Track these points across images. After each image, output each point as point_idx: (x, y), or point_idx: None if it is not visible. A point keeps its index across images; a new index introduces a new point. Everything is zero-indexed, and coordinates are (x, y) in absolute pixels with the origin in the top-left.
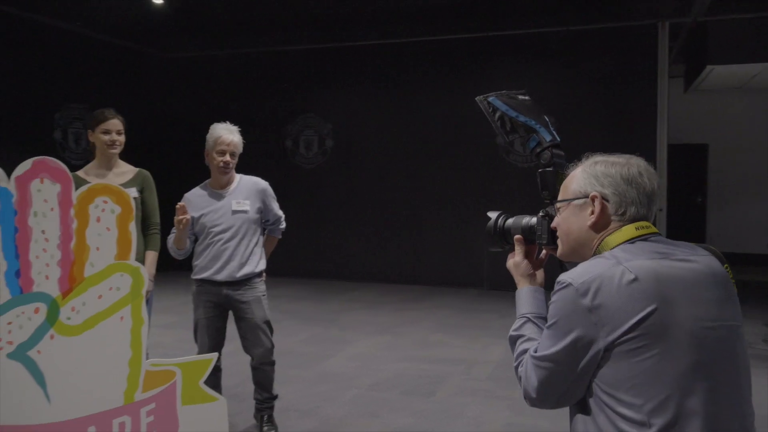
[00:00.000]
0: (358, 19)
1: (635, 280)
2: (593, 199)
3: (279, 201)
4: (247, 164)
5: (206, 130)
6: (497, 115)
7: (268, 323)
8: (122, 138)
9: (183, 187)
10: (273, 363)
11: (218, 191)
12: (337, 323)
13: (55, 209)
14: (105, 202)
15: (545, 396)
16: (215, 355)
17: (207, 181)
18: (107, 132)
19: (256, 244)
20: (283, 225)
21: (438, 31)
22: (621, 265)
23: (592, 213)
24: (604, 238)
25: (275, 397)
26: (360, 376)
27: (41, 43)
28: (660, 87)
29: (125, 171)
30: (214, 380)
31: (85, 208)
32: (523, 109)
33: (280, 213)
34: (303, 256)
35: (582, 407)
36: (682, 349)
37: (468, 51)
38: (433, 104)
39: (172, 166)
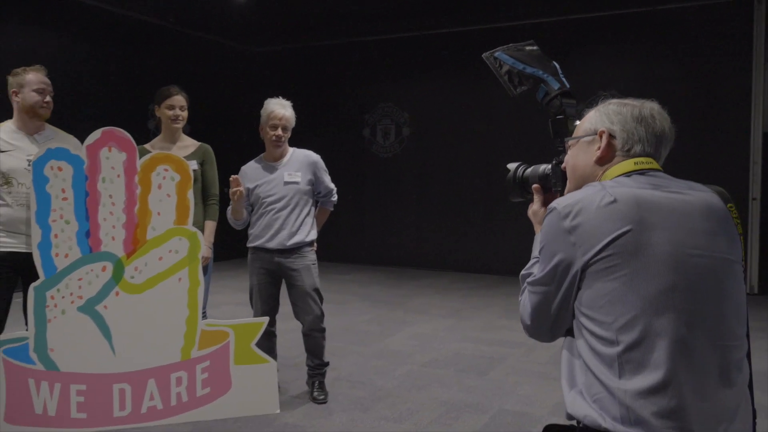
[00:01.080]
0: (435, 7)
1: (614, 201)
2: (601, 135)
3: (356, 189)
4: (326, 155)
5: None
6: (504, 69)
7: (317, 291)
8: (185, 113)
9: None
10: (323, 330)
11: (272, 164)
12: (404, 306)
13: (121, 176)
14: (166, 170)
15: (538, 322)
16: (266, 319)
17: (262, 154)
18: (171, 107)
19: (307, 214)
20: (335, 197)
21: (517, 16)
22: (605, 190)
23: (599, 149)
24: (605, 172)
25: (326, 365)
26: (416, 354)
27: (140, 39)
28: (755, 70)
29: (188, 145)
30: (269, 345)
31: (148, 175)
32: (530, 60)
33: (332, 186)
34: (377, 243)
35: (569, 343)
36: (655, 271)
37: (550, 36)
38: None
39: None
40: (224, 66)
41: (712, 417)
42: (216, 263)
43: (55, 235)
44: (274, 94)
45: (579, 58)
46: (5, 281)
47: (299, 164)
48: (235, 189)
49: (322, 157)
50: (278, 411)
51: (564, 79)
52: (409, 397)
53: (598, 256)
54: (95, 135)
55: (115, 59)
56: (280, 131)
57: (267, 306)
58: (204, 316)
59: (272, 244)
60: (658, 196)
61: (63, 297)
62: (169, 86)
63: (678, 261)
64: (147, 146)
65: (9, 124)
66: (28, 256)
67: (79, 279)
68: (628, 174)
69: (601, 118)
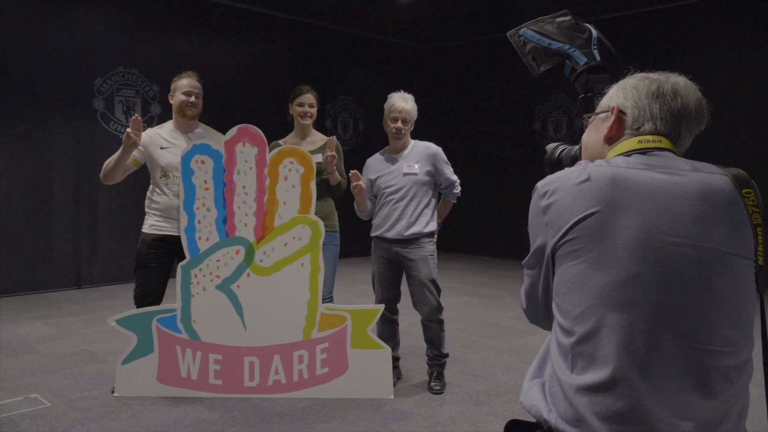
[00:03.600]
0: None
1: (587, 180)
2: (612, 111)
3: (527, 182)
4: (495, 147)
5: (462, 113)
6: (529, 47)
7: (433, 282)
8: (314, 110)
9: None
10: (440, 321)
11: (393, 155)
12: None
13: (253, 168)
14: (291, 162)
15: (529, 308)
16: (382, 306)
17: (387, 146)
18: (301, 105)
19: (426, 205)
20: (458, 190)
21: (648, 2)
22: (585, 168)
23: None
24: (610, 151)
25: (445, 356)
26: None
27: (315, 42)
28: None
29: (316, 140)
30: (390, 332)
31: (276, 167)
32: (557, 35)
33: (454, 178)
34: None
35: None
36: (618, 258)
37: (683, 21)
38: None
39: (448, 144)
40: (396, 64)
41: (677, 428)
42: (348, 255)
43: (199, 221)
44: (443, 90)
45: (715, 41)
46: (163, 260)
47: (419, 156)
48: (355, 183)
49: (492, 151)
50: (392, 396)
51: (596, 52)
52: None
53: (564, 239)
54: (232, 131)
55: (294, 64)
56: (400, 123)
57: (387, 294)
58: (331, 300)
59: (391, 234)
60: (643, 176)
61: (204, 276)
62: (302, 85)
63: (648, 248)
64: (280, 141)
65: (169, 124)
66: (180, 239)
67: (217, 260)
68: (628, 153)
69: (617, 94)
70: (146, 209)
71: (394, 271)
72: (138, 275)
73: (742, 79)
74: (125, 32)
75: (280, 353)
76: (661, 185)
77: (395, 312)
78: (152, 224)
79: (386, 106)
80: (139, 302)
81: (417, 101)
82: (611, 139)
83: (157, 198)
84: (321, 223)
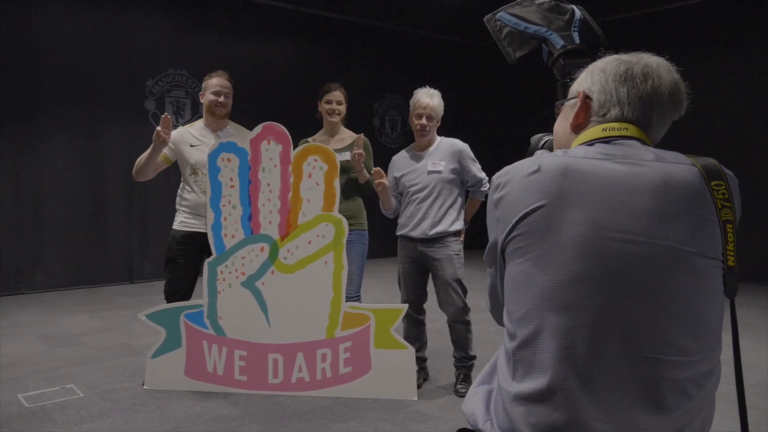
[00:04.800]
0: None
1: (536, 171)
2: (579, 97)
3: None
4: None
5: (508, 109)
6: (505, 32)
7: (459, 282)
8: (342, 108)
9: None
10: (467, 323)
11: (418, 153)
12: None
13: (278, 166)
14: (315, 160)
15: (493, 309)
16: (405, 306)
17: (412, 144)
18: (329, 102)
19: (452, 204)
20: (486, 187)
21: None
22: (537, 158)
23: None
24: (575, 140)
25: (472, 358)
26: None
27: (362, 40)
28: None
29: (345, 137)
30: (417, 333)
31: (300, 165)
32: (534, 18)
33: (481, 175)
34: None
35: None
36: (562, 256)
37: None
38: (724, 72)
39: (495, 142)
40: (442, 61)
41: None
42: (377, 254)
43: (224, 218)
44: (492, 86)
45: None
46: (191, 256)
47: (444, 153)
48: (378, 181)
49: (548, 146)
50: (415, 398)
51: (576, 34)
52: None
53: (511, 235)
54: (257, 129)
55: (342, 62)
56: (424, 120)
57: (413, 294)
58: (358, 299)
59: (416, 233)
60: (598, 166)
61: (230, 272)
62: (330, 82)
63: (595, 246)
64: (309, 139)
65: (200, 122)
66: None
67: (243, 257)
68: (591, 142)
69: (585, 78)
70: (177, 206)
71: (419, 270)
72: (168, 271)
73: (747, 80)
74: (176, 34)
75: (304, 351)
76: (617, 177)
77: (422, 312)
78: (182, 221)
79: (411, 102)
80: (169, 297)
81: (464, 98)
82: (578, 127)
83: (186, 195)
84: (345, 221)
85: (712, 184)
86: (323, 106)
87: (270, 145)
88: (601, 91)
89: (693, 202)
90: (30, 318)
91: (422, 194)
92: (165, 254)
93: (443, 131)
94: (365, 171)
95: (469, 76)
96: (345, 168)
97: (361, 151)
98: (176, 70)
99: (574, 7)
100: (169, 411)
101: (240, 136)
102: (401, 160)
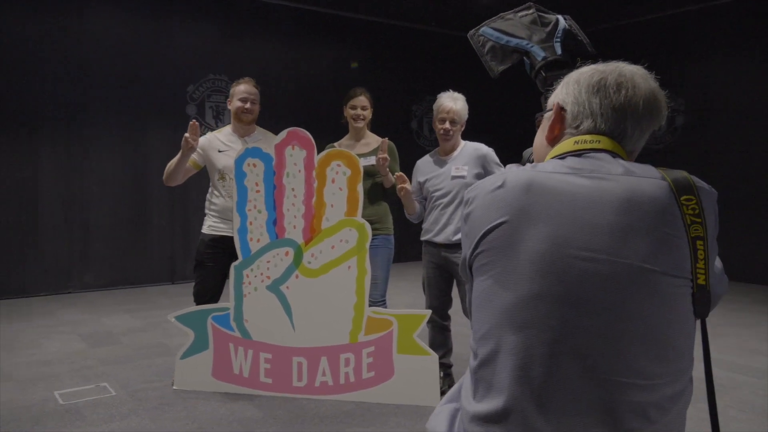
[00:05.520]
0: None
1: (500, 186)
2: (554, 109)
3: None
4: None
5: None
6: (488, 47)
7: None
8: (366, 113)
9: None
10: None
11: (442, 158)
12: None
13: (302, 171)
14: (339, 165)
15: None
16: (428, 312)
17: (437, 148)
18: (354, 107)
19: None
20: None
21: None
22: (505, 173)
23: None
24: (549, 153)
25: None
26: None
27: (400, 43)
28: None
29: (370, 142)
30: (442, 339)
31: (324, 170)
32: (517, 30)
33: None
34: None
35: None
36: (521, 274)
37: None
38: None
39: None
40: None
41: None
42: (403, 258)
43: (250, 223)
44: (532, 88)
45: None
46: (219, 259)
47: (467, 158)
48: (400, 186)
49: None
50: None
51: (558, 45)
52: None
53: (476, 251)
54: (282, 135)
55: (382, 65)
56: (447, 125)
57: (437, 300)
58: (383, 304)
59: (439, 239)
60: (563, 181)
61: (255, 276)
62: (355, 87)
63: (553, 263)
64: (335, 144)
65: (228, 128)
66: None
67: (268, 261)
68: (562, 156)
69: (560, 89)
70: (206, 210)
71: (443, 276)
72: (197, 274)
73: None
74: (216, 41)
75: (327, 355)
76: (581, 192)
77: (446, 318)
78: (210, 225)
79: (434, 106)
80: (198, 299)
81: (503, 100)
82: (554, 139)
83: (215, 200)
84: (368, 226)
85: (682, 198)
86: (348, 112)
87: (294, 150)
88: (574, 103)
89: (658, 218)
90: (74, 317)
91: (446, 199)
92: (194, 257)
93: (487, 133)
94: (390, 175)
95: (507, 77)
96: (370, 172)
97: (386, 155)
98: (216, 76)
99: (560, 17)
100: (195, 412)
101: (267, 141)
102: (425, 165)
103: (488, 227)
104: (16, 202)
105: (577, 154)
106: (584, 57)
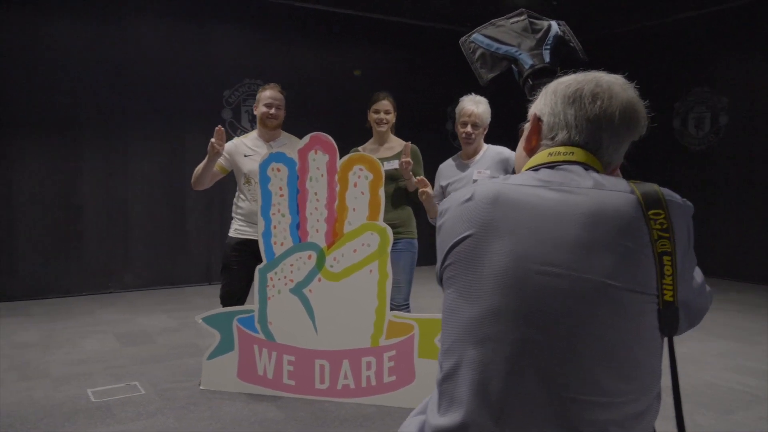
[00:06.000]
0: None
1: (469, 199)
2: (532, 119)
3: (662, 185)
4: (631, 147)
5: None
6: (478, 54)
7: None
8: (389, 117)
9: None
10: None
11: (465, 162)
12: None
13: (324, 175)
14: (361, 169)
15: None
16: None
17: (460, 152)
18: (377, 111)
19: None
20: None
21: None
22: (474, 186)
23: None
24: (525, 165)
25: None
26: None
27: (433, 45)
28: None
29: (394, 146)
30: None
31: (346, 174)
32: (507, 37)
33: None
34: None
35: None
36: (484, 288)
37: None
38: None
39: None
40: None
41: None
42: (428, 262)
43: (274, 226)
44: None
45: None
46: (245, 262)
47: (490, 161)
48: (422, 190)
49: (627, 151)
50: None
51: (547, 52)
52: None
53: (444, 264)
54: (305, 140)
55: (414, 68)
56: (469, 128)
57: None
58: (407, 308)
59: None
60: (530, 194)
61: (279, 279)
62: (378, 92)
63: (516, 278)
64: (359, 148)
65: (254, 133)
66: None
67: (291, 265)
68: (536, 167)
69: (539, 100)
70: (233, 214)
71: None
72: (223, 276)
73: None
74: (251, 45)
75: (349, 358)
76: (547, 205)
77: None
78: (236, 228)
79: (456, 109)
80: (225, 301)
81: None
82: (532, 150)
83: (241, 204)
84: (389, 230)
85: (650, 213)
86: (371, 116)
87: (317, 154)
88: (551, 114)
89: (623, 233)
90: (112, 316)
91: None
92: (221, 260)
93: (509, 138)
94: (413, 179)
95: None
96: (394, 176)
97: (409, 159)
98: (252, 80)
99: (553, 23)
100: (219, 412)
101: (292, 145)
102: (447, 169)
103: (455, 240)
104: (60, 205)
105: (551, 166)
106: (576, 64)
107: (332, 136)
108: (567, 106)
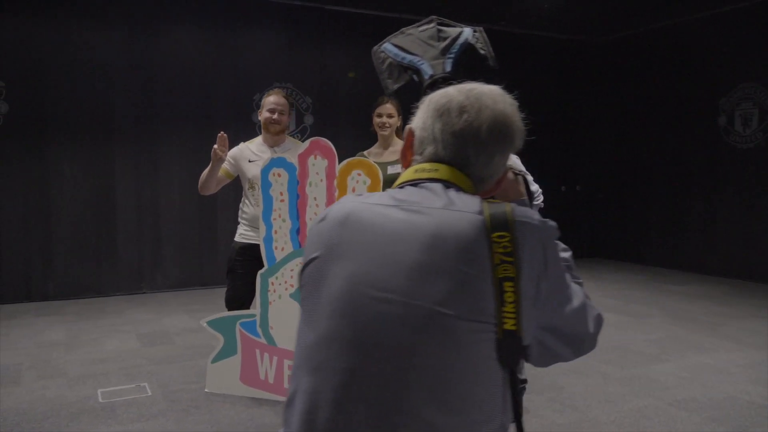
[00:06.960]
0: None
1: (322, 219)
2: (406, 134)
3: (708, 187)
4: (674, 148)
5: (634, 109)
6: (386, 63)
7: None
8: (392, 120)
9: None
10: None
11: None
12: (713, 327)
13: (323, 180)
14: (359, 174)
15: None
16: None
17: None
18: (380, 115)
19: None
20: (539, 200)
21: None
22: (335, 204)
23: None
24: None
25: (523, 381)
26: (675, 388)
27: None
28: None
29: (398, 149)
30: None
31: (344, 179)
32: (413, 46)
33: (534, 187)
34: (731, 252)
35: None
36: (322, 313)
37: None
38: None
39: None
40: (570, 61)
41: None
42: None
43: (275, 231)
44: (620, 84)
45: None
46: (249, 266)
47: None
48: None
49: (669, 150)
50: None
51: (449, 62)
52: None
53: (299, 285)
54: (305, 145)
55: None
56: None
57: None
58: None
59: None
60: (380, 214)
61: (280, 284)
62: (382, 95)
63: (350, 303)
64: (365, 152)
65: (258, 139)
66: None
67: (291, 270)
68: (402, 185)
69: (418, 112)
70: (239, 219)
71: None
72: (228, 280)
73: None
74: (280, 50)
75: None
76: (392, 227)
77: None
78: (241, 233)
79: None
80: (229, 305)
81: (584, 96)
82: (408, 165)
83: (246, 208)
84: None
85: (494, 236)
86: (375, 120)
87: (316, 159)
88: (422, 128)
89: (460, 257)
90: (139, 317)
91: None
92: (226, 264)
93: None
94: None
95: (592, 73)
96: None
97: None
98: (281, 84)
99: (466, 29)
100: (218, 415)
101: (296, 150)
102: None
103: (305, 261)
104: (94, 208)
105: (414, 183)
106: (485, 72)
107: (363, 140)
108: (436, 120)
